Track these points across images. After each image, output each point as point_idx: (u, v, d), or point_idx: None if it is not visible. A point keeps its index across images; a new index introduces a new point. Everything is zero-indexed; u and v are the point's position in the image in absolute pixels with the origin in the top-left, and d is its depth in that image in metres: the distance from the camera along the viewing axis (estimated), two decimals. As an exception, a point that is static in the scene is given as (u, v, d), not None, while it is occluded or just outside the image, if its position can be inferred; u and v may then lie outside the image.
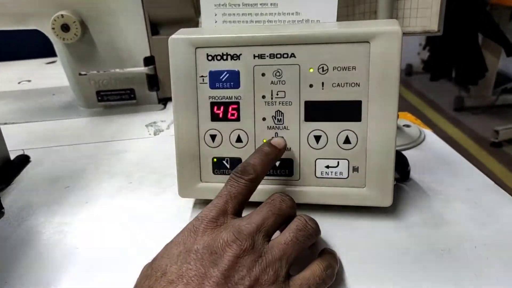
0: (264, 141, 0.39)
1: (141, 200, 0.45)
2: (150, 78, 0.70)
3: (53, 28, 0.62)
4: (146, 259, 0.35)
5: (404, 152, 0.48)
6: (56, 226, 0.41)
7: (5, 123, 0.70)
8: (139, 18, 0.66)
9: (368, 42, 0.36)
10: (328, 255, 0.32)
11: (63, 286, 0.34)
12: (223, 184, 0.40)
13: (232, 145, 0.40)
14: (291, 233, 0.30)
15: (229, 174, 0.40)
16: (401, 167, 0.44)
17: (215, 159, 0.41)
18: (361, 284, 0.32)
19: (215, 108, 0.40)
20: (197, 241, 0.29)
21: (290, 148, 0.39)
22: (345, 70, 0.37)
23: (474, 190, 0.43)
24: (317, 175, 0.39)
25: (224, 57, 0.39)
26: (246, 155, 0.40)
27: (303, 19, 0.42)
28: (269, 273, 0.28)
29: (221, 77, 0.39)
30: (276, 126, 0.39)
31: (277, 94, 0.39)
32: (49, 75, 1.00)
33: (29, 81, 0.96)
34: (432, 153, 0.52)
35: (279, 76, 0.38)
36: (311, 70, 0.37)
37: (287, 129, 0.39)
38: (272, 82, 0.38)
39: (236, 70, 0.39)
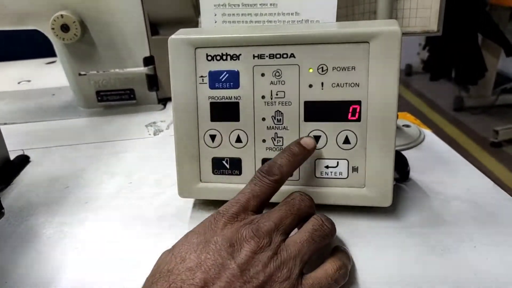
0: (264, 141, 0.39)
1: (141, 200, 0.45)
2: (149, 78, 0.70)
3: (52, 28, 0.62)
4: (146, 259, 0.35)
5: (403, 152, 0.48)
6: (56, 226, 0.41)
7: (5, 123, 0.70)
8: (139, 18, 0.66)
9: (367, 42, 0.36)
10: (341, 253, 0.33)
11: (63, 286, 0.34)
12: (222, 184, 0.41)
13: (232, 145, 0.40)
14: (307, 233, 0.31)
15: (228, 174, 0.41)
16: (401, 167, 0.44)
17: (214, 159, 0.41)
18: (361, 284, 0.32)
19: (215, 108, 0.40)
20: (217, 233, 0.30)
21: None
22: (345, 70, 0.37)
23: (474, 190, 0.43)
24: (316, 175, 0.39)
25: (224, 57, 0.39)
26: (245, 155, 0.40)
27: (302, 19, 0.42)
28: (283, 271, 0.29)
29: (220, 77, 0.39)
30: (275, 126, 0.39)
31: (277, 94, 0.39)
32: (49, 75, 1.00)
33: (29, 81, 0.96)
34: (432, 153, 0.52)
35: (278, 76, 0.38)
36: (311, 70, 0.38)
37: (287, 129, 0.39)
38: (271, 82, 0.38)
39: (236, 70, 0.39)
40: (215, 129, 0.40)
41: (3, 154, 0.53)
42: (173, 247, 0.30)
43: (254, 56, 0.38)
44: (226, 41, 0.39)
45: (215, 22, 0.43)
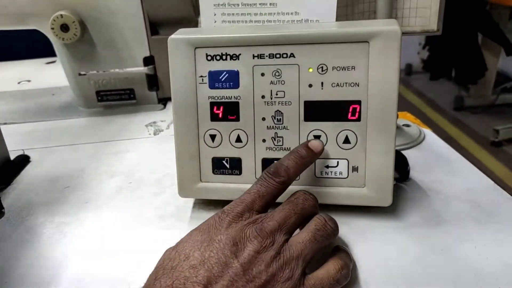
0: (264, 141, 0.39)
1: (141, 200, 0.45)
2: (149, 78, 0.70)
3: (52, 28, 0.62)
4: (146, 259, 0.35)
5: (403, 152, 0.48)
6: (56, 226, 0.41)
7: (5, 123, 0.70)
8: (138, 18, 0.66)
9: (367, 42, 0.36)
10: (343, 253, 0.33)
11: (63, 285, 0.34)
12: (222, 184, 0.41)
13: (232, 145, 0.40)
14: (310, 233, 0.31)
15: (229, 174, 0.41)
16: (401, 166, 0.44)
17: (214, 159, 0.41)
18: (361, 284, 0.32)
19: (215, 108, 0.40)
20: (221, 232, 0.30)
21: (289, 148, 0.39)
22: (345, 70, 0.37)
23: (474, 190, 0.43)
24: (316, 175, 0.39)
25: (224, 57, 0.39)
26: (245, 155, 0.40)
27: (302, 19, 0.42)
28: (285, 271, 0.29)
29: (220, 77, 0.39)
30: (275, 126, 0.39)
31: (277, 94, 0.39)
32: (49, 75, 1.00)
33: (28, 81, 0.96)
34: (432, 152, 0.52)
35: (278, 76, 0.38)
36: (311, 70, 0.38)
37: (287, 129, 0.39)
38: (271, 82, 0.38)
39: (236, 70, 0.39)
40: (215, 129, 0.40)
41: (3, 154, 0.53)
42: (177, 244, 0.31)
43: (254, 56, 0.38)
44: (225, 41, 0.38)
45: (215, 22, 0.43)
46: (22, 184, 0.50)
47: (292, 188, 0.38)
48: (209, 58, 0.39)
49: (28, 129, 0.67)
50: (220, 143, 0.40)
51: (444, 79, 2.48)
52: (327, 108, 0.38)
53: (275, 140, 0.39)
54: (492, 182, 0.45)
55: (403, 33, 0.36)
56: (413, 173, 0.46)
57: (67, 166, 0.54)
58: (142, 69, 0.69)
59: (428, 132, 0.58)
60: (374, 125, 0.37)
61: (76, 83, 0.70)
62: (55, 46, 0.69)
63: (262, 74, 0.38)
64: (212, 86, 0.39)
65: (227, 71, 0.39)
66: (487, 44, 2.18)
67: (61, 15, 0.62)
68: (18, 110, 0.77)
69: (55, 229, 0.41)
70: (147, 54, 0.69)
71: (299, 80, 0.38)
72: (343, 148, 0.38)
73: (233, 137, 0.40)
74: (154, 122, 0.67)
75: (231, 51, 0.39)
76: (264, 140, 0.40)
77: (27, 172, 0.53)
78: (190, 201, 0.44)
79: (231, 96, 0.39)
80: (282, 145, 0.39)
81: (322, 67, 0.37)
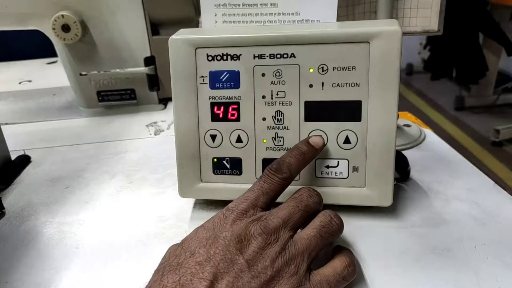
0: (264, 141, 0.40)
1: (141, 200, 0.45)
2: (150, 78, 0.70)
3: (53, 29, 0.62)
4: (146, 259, 0.35)
5: (404, 152, 0.48)
6: (57, 226, 0.41)
7: (6, 123, 0.70)
8: (139, 18, 0.67)
9: (368, 42, 0.36)
10: (348, 251, 0.33)
11: (63, 286, 0.34)
12: (223, 184, 0.41)
13: (232, 145, 0.40)
14: (315, 229, 0.31)
15: (229, 174, 0.41)
16: (401, 167, 0.44)
17: (215, 159, 0.41)
18: (361, 284, 0.32)
19: (215, 108, 0.40)
20: (226, 229, 0.30)
21: (290, 148, 0.39)
22: (345, 70, 0.37)
23: (474, 190, 0.43)
24: (317, 175, 0.39)
25: (224, 57, 0.39)
26: (246, 155, 0.40)
27: (303, 19, 0.42)
28: (290, 266, 0.29)
29: (221, 77, 0.39)
30: (276, 126, 0.39)
31: (277, 94, 0.39)
32: (50, 75, 1.00)
33: (30, 81, 0.96)
34: (432, 153, 0.52)
35: (279, 76, 0.38)
36: (311, 70, 0.38)
37: (287, 129, 0.39)
38: (272, 82, 0.38)
39: (236, 70, 0.39)
40: (215, 129, 0.40)
41: (4, 154, 0.53)
42: (183, 241, 0.31)
43: (254, 56, 0.38)
44: (226, 41, 0.39)
45: (216, 22, 0.43)
46: (23, 184, 0.50)
47: (293, 188, 0.38)
48: (209, 58, 0.39)
49: (29, 129, 0.67)
50: (221, 143, 0.40)
51: (445, 79, 2.48)
52: (328, 108, 0.38)
53: (275, 140, 0.39)
54: (492, 182, 0.45)
55: (404, 33, 0.36)
56: (413, 173, 0.46)
57: (68, 166, 0.54)
58: (143, 69, 0.69)
59: (428, 132, 0.58)
60: (375, 125, 0.37)
61: (77, 83, 0.70)
62: (56, 46, 0.69)
63: (263, 74, 0.38)
64: (212, 86, 0.40)
65: (228, 71, 0.39)
66: (488, 44, 2.18)
67: (62, 16, 0.62)
68: (19, 110, 0.77)
69: (56, 229, 0.41)
70: (148, 54, 0.69)
71: (299, 80, 0.38)
72: (343, 148, 0.38)
73: (234, 137, 0.40)
74: (155, 122, 0.67)
75: (231, 51, 0.39)
76: (264, 140, 0.40)
77: (28, 172, 0.53)
78: (191, 201, 0.44)
79: (232, 96, 0.39)
80: (283, 145, 0.39)
81: (322, 67, 0.37)
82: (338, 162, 0.39)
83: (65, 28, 0.63)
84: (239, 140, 0.40)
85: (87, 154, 0.57)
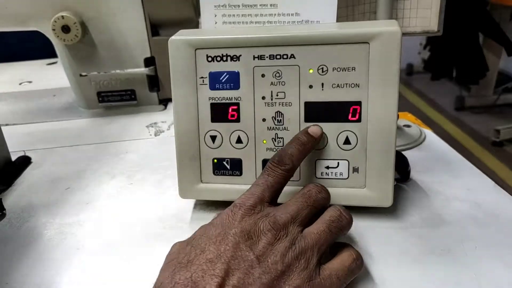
0: (264, 142, 0.40)
1: (141, 201, 0.45)
2: (150, 79, 0.70)
3: (53, 29, 0.62)
4: (147, 259, 0.35)
5: (404, 152, 0.48)
6: (57, 227, 0.41)
7: (6, 124, 0.70)
8: (139, 19, 0.67)
9: (367, 42, 0.36)
10: (351, 247, 0.33)
11: (64, 287, 0.34)
12: (223, 185, 0.41)
13: (232, 146, 0.40)
14: (324, 224, 0.32)
15: (229, 175, 0.41)
16: (401, 167, 0.44)
17: (215, 160, 0.41)
18: (361, 284, 0.32)
19: (215, 109, 0.40)
20: (235, 226, 0.30)
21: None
22: (345, 70, 0.37)
23: (474, 190, 0.43)
24: (317, 175, 0.39)
25: (224, 58, 0.39)
26: (246, 156, 0.40)
27: (302, 20, 0.42)
28: (300, 261, 0.29)
29: (221, 78, 0.39)
30: (276, 127, 0.39)
31: (277, 95, 0.39)
32: (50, 76, 1.00)
33: (30, 82, 0.96)
34: (433, 153, 0.52)
35: (279, 77, 0.38)
36: (311, 71, 0.38)
37: (287, 130, 0.39)
38: (272, 83, 0.38)
39: (236, 71, 0.39)
40: (215, 130, 0.40)
41: (4, 155, 0.53)
42: (191, 239, 0.31)
43: (254, 57, 0.38)
44: (226, 42, 0.39)
45: (215, 23, 0.43)
46: (23, 185, 0.50)
47: (292, 188, 0.38)
48: (209, 59, 0.39)
49: (29, 130, 0.67)
50: (221, 144, 0.40)
51: (445, 79, 2.47)
52: (328, 109, 0.38)
53: (275, 141, 0.39)
54: (492, 182, 0.45)
55: (404, 34, 0.36)
56: (413, 174, 0.46)
57: (68, 167, 0.54)
58: (143, 70, 0.69)
59: (428, 132, 0.58)
60: (375, 126, 0.37)
61: (77, 84, 0.70)
62: (56, 47, 0.69)
63: (263, 75, 0.38)
64: (212, 87, 0.40)
65: (228, 72, 0.39)
66: (488, 44, 2.18)
67: (62, 16, 0.62)
68: (19, 111, 0.77)
69: (56, 230, 0.41)
70: (148, 55, 0.69)
71: (299, 81, 0.38)
72: (343, 149, 0.38)
73: (234, 138, 0.40)
74: (155, 123, 0.67)
75: (231, 52, 0.39)
76: (264, 141, 0.40)
77: (28, 173, 0.53)
78: (191, 202, 0.44)
79: (232, 97, 0.39)
80: (283, 146, 0.39)
81: (322, 68, 0.37)
82: (338, 162, 0.39)
83: (65, 29, 0.63)
84: (239, 141, 0.40)
85: (87, 155, 0.57)
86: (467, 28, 1.56)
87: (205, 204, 0.43)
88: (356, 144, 0.38)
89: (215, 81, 0.39)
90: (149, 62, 0.69)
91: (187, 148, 0.41)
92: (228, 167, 0.41)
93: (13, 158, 0.55)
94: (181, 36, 0.39)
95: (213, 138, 0.40)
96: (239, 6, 0.43)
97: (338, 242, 0.34)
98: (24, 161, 0.55)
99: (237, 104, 0.39)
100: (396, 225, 0.39)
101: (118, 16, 0.66)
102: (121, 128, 0.66)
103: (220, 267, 0.27)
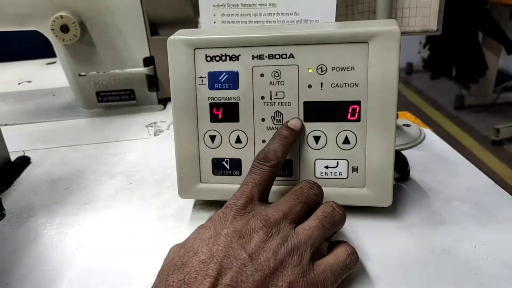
0: (264, 142, 0.39)
1: (141, 200, 0.45)
2: (149, 78, 0.70)
3: (52, 29, 0.62)
4: (146, 260, 0.35)
5: (404, 152, 0.48)
6: (57, 227, 0.41)
7: (6, 124, 0.70)
8: (138, 18, 0.66)
9: (366, 42, 0.36)
10: (346, 243, 0.33)
11: (63, 287, 0.34)
12: (222, 185, 0.41)
13: (232, 146, 0.40)
14: (317, 220, 0.32)
15: (228, 175, 0.41)
16: (401, 167, 0.44)
17: (214, 160, 0.41)
18: (361, 284, 0.32)
19: (214, 109, 0.40)
20: (227, 226, 0.31)
21: (289, 148, 0.39)
22: (344, 70, 0.37)
23: (474, 190, 0.43)
24: (316, 175, 0.39)
25: (223, 58, 0.39)
26: (245, 156, 0.40)
27: (302, 19, 0.42)
28: (293, 257, 0.29)
29: (220, 78, 0.39)
30: (275, 127, 0.39)
31: (276, 95, 0.39)
32: (49, 76, 1.00)
33: (29, 82, 0.96)
34: (432, 152, 0.52)
35: (278, 76, 0.38)
36: (310, 71, 0.38)
37: (287, 130, 0.39)
38: (271, 83, 0.38)
39: (235, 71, 0.39)
40: (214, 130, 0.40)
41: (3, 155, 0.53)
42: (185, 241, 0.31)
43: (253, 57, 0.38)
44: (225, 41, 0.38)
45: (214, 22, 0.43)
46: (23, 185, 0.50)
47: (292, 188, 0.38)
48: (208, 59, 0.39)
49: (29, 130, 0.67)
50: (220, 144, 0.40)
51: (444, 78, 2.48)
52: (327, 108, 0.38)
53: (275, 140, 0.39)
54: (492, 182, 0.45)
55: (403, 33, 0.36)
56: (413, 173, 0.46)
57: (68, 167, 0.54)
58: (142, 69, 0.69)
59: (428, 131, 0.58)
60: (374, 125, 0.37)
61: (76, 84, 0.70)
62: (55, 47, 0.69)
63: (262, 75, 0.38)
64: (211, 87, 0.39)
65: (227, 72, 0.39)
66: (487, 43, 2.18)
67: (61, 16, 0.62)
68: (18, 111, 0.77)
69: (56, 230, 0.41)
70: (147, 54, 0.69)
71: (298, 80, 0.38)
72: (342, 149, 0.38)
73: (233, 138, 0.40)
74: (154, 123, 0.67)
75: (230, 52, 0.39)
76: (264, 141, 0.40)
77: (28, 173, 0.53)
78: (191, 202, 0.44)
79: (231, 97, 0.39)
80: (282, 145, 0.39)
81: (321, 68, 0.37)
82: (337, 162, 0.39)
83: (64, 28, 0.63)
84: (238, 140, 0.40)
85: (86, 155, 0.57)
86: (466, 26, 1.56)
87: (204, 204, 0.43)
88: (356, 143, 0.38)
89: (214, 80, 0.39)
90: (148, 61, 0.69)
91: (186, 148, 0.41)
92: (228, 167, 0.41)
93: (13, 158, 0.55)
94: (180, 36, 0.39)
95: (212, 138, 0.40)
96: (238, 5, 0.43)
97: (334, 240, 0.34)
98: (24, 161, 0.55)
99: (236, 104, 0.39)
100: (396, 225, 0.39)
101: (117, 15, 0.66)
102: (120, 128, 0.66)
103: (212, 267, 0.28)
